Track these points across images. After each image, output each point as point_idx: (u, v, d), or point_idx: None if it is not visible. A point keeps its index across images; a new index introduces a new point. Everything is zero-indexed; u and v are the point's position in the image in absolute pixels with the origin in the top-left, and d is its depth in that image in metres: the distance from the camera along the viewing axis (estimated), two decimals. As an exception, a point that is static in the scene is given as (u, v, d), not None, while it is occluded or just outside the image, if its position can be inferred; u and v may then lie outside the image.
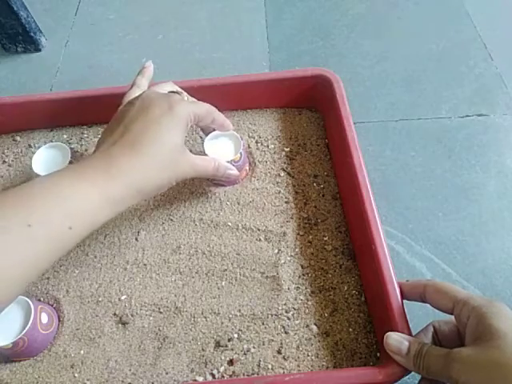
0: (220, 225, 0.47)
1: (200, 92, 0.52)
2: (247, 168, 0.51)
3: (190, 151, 0.40)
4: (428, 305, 0.35)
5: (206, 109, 0.42)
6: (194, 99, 0.47)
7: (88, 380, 0.40)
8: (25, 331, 0.38)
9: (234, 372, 0.39)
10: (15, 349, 0.38)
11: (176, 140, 0.38)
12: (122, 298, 0.44)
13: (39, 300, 0.44)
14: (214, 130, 0.47)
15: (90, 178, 0.34)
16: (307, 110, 0.56)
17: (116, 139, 0.37)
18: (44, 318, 0.41)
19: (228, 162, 0.46)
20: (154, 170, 0.37)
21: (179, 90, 0.47)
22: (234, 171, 0.46)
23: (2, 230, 0.29)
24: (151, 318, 0.42)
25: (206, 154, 0.47)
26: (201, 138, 0.54)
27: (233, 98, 0.54)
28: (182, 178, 0.40)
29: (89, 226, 0.34)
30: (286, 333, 0.41)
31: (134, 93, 0.44)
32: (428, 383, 0.34)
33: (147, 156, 0.36)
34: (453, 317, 0.33)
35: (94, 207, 0.33)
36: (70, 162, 0.48)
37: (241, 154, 0.47)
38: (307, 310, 0.42)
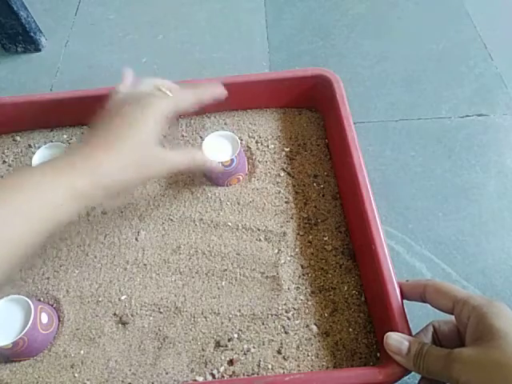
0: (220, 225, 0.47)
1: (200, 92, 0.52)
2: (240, 177, 0.50)
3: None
4: (428, 305, 0.35)
5: (183, 99, 0.42)
6: (177, 88, 0.44)
7: (88, 380, 0.40)
8: (25, 331, 0.38)
9: (233, 372, 0.39)
10: (15, 349, 0.38)
11: (145, 137, 0.39)
12: (122, 297, 0.44)
13: (39, 300, 0.44)
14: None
15: (60, 173, 0.35)
16: (307, 110, 0.56)
17: (87, 139, 0.39)
18: (44, 318, 0.41)
19: (218, 163, 0.46)
20: (121, 167, 0.37)
21: (162, 82, 0.45)
22: (214, 165, 0.46)
23: None
24: (151, 318, 0.42)
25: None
26: (201, 137, 0.54)
27: (233, 98, 0.54)
28: (154, 174, 0.41)
29: (55, 219, 0.35)
30: (286, 333, 0.41)
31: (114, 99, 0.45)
32: (428, 383, 0.34)
33: (115, 153, 0.37)
34: (453, 316, 0.33)
35: (61, 201, 0.35)
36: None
37: (232, 160, 0.47)
38: (307, 310, 0.42)
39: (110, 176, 0.37)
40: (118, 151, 0.37)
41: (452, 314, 0.33)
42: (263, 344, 0.40)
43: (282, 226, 0.47)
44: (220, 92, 0.46)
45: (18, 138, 0.56)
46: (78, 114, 0.55)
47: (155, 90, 0.42)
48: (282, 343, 0.40)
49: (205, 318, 0.42)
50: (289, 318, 0.41)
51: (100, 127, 0.39)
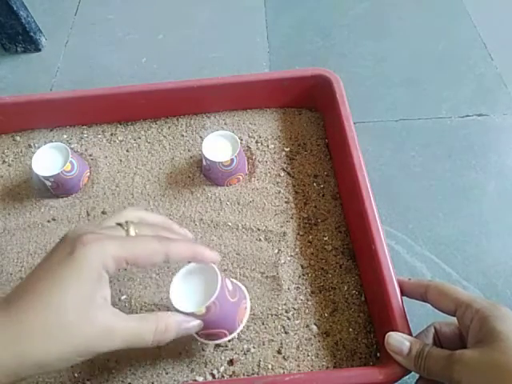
0: (220, 225, 0.47)
1: (200, 92, 0.52)
2: (240, 177, 0.50)
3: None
4: (428, 304, 0.35)
5: (144, 248, 0.31)
6: (147, 233, 0.34)
7: (88, 380, 0.40)
8: (216, 295, 0.33)
9: (233, 372, 0.39)
10: (208, 315, 0.34)
11: (72, 298, 0.28)
12: (122, 298, 0.44)
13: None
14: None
15: None
16: (307, 110, 0.56)
17: (7, 295, 0.29)
18: (229, 285, 0.36)
19: (218, 163, 0.46)
20: (30, 342, 0.27)
21: (138, 216, 0.36)
22: (193, 323, 0.34)
23: None
24: (151, 318, 0.42)
25: (204, 155, 0.47)
26: (201, 137, 0.54)
27: (233, 98, 0.54)
28: (93, 349, 0.29)
29: None
30: (285, 333, 0.41)
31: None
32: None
33: (23, 323, 0.27)
34: (454, 318, 0.33)
35: None
36: (70, 162, 0.48)
37: (232, 160, 0.47)
38: (307, 310, 0.42)
39: (16, 355, 0.27)
40: (28, 320, 0.27)
41: (454, 316, 0.33)
42: (263, 344, 0.40)
43: (282, 226, 0.47)
44: (213, 258, 0.35)
45: (18, 138, 0.56)
46: (78, 114, 0.55)
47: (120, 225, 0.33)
48: (281, 343, 0.40)
49: (205, 318, 0.42)
50: (289, 318, 0.41)
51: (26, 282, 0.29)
